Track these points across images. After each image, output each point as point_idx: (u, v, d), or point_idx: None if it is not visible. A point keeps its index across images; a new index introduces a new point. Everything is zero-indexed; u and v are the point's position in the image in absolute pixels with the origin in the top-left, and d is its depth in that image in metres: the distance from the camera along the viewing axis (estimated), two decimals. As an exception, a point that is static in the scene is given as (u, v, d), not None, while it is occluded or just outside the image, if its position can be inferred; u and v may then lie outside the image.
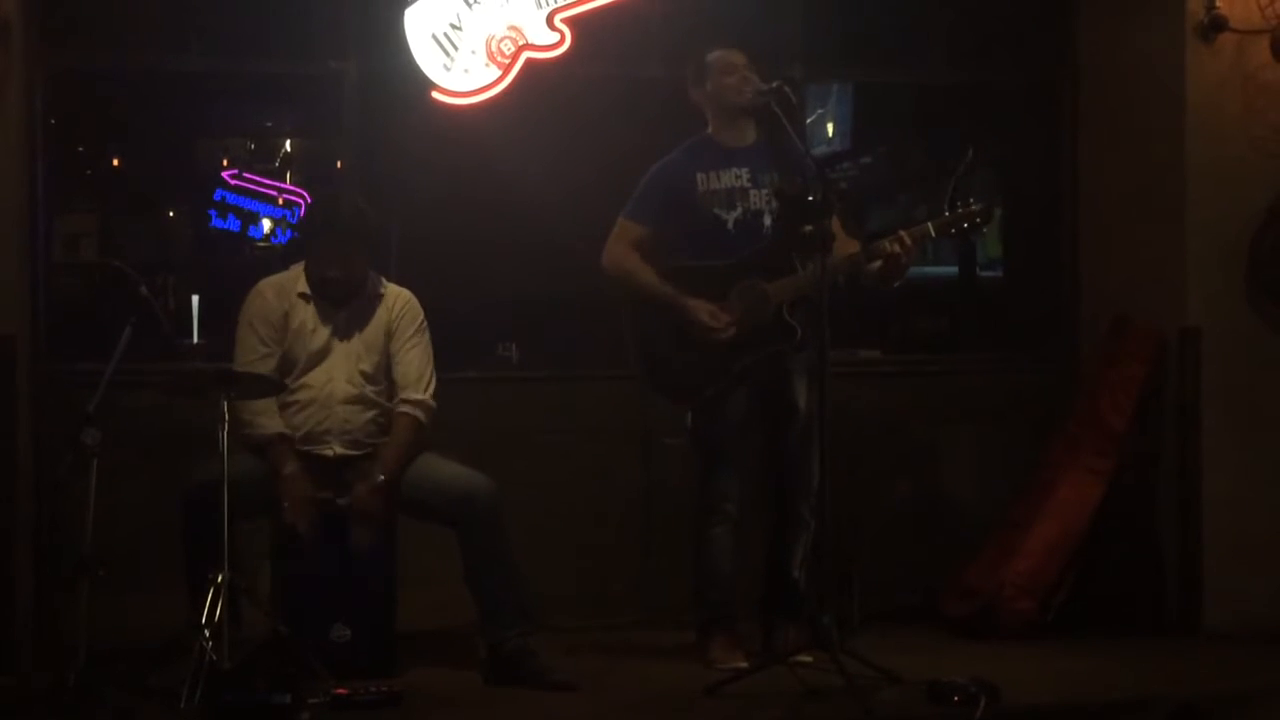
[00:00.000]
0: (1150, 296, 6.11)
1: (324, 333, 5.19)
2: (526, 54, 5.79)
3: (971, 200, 5.20)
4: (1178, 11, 5.89)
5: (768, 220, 5.30)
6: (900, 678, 4.89)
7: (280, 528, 4.99)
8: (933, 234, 5.22)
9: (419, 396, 5.16)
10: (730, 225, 5.30)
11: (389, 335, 5.23)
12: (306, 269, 5.24)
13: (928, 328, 6.99)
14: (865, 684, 4.76)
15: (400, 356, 5.21)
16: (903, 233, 5.16)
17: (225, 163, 6.87)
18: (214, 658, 4.48)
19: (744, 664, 5.13)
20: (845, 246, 5.16)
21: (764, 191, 5.31)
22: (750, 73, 5.30)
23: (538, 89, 5.86)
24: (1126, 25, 6.24)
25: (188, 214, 6.90)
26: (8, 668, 5.20)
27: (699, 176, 5.32)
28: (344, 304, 5.23)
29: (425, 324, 5.28)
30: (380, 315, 5.25)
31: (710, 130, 5.43)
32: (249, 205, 6.61)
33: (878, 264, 5.16)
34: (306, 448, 5.09)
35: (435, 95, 5.77)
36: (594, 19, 5.84)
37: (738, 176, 5.32)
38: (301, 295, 5.21)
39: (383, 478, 5.00)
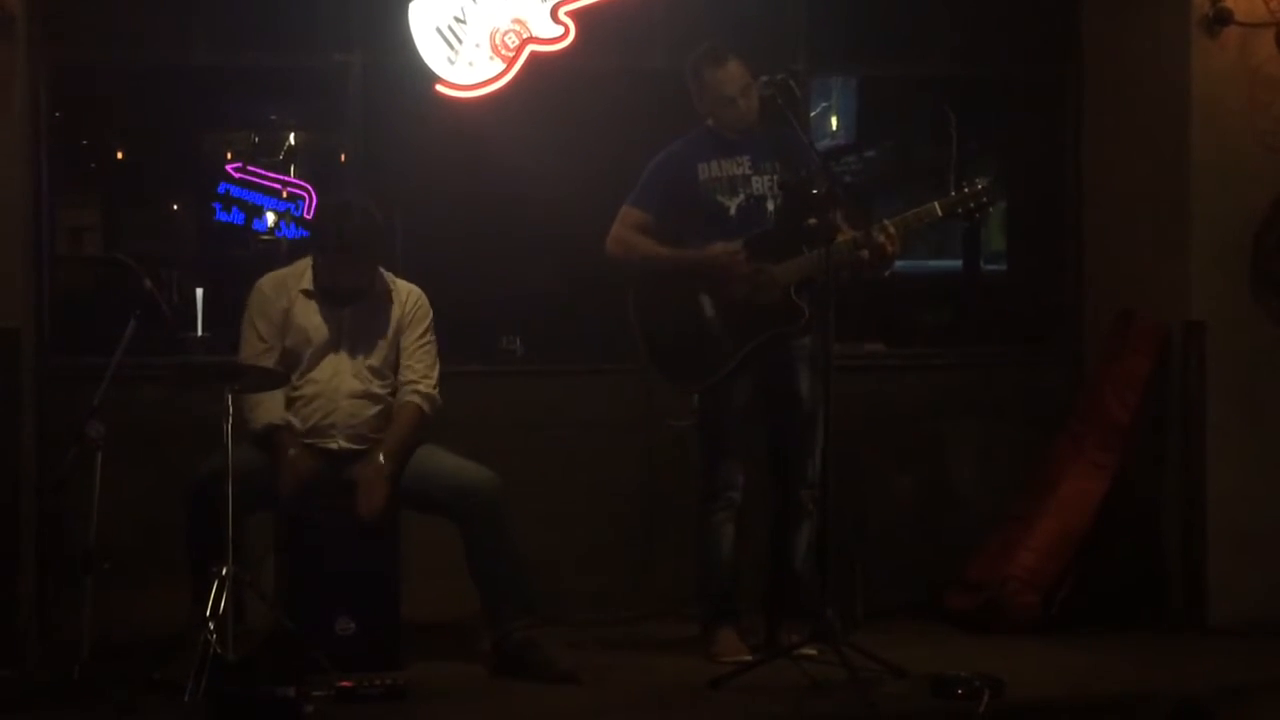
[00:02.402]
0: (1154, 290, 6.10)
1: (328, 328, 5.19)
2: (530, 47, 5.79)
3: (977, 180, 5.21)
4: (1182, 5, 5.88)
5: (770, 206, 5.32)
6: (904, 671, 4.90)
7: (284, 507, 4.98)
8: (939, 214, 5.21)
9: (426, 389, 5.17)
10: (733, 211, 5.31)
11: (398, 331, 5.23)
12: (315, 272, 5.22)
13: (932, 321, 6.99)
14: (869, 677, 4.77)
15: (408, 353, 5.22)
16: (886, 221, 5.16)
17: (229, 156, 6.85)
18: (218, 651, 4.48)
19: (748, 657, 5.14)
20: (846, 236, 5.17)
21: (766, 178, 5.32)
22: (749, 92, 5.28)
23: (542, 82, 5.86)
24: (1131, 19, 6.23)
25: (192, 207, 6.89)
26: (11, 661, 5.19)
27: (700, 165, 5.33)
28: (349, 301, 5.23)
29: (433, 322, 5.29)
30: (389, 311, 5.24)
31: (712, 122, 5.43)
32: (253, 198, 6.60)
33: (865, 253, 5.16)
34: (311, 441, 5.10)
35: (439, 88, 5.77)
36: (598, 12, 5.84)
37: (739, 164, 5.33)
38: (305, 292, 5.21)
39: (383, 458, 5.01)
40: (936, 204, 5.21)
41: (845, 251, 5.10)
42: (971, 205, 5.19)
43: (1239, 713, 4.92)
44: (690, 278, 5.26)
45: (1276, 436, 5.93)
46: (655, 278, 5.32)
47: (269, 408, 5.05)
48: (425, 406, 5.16)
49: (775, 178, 5.30)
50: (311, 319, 5.19)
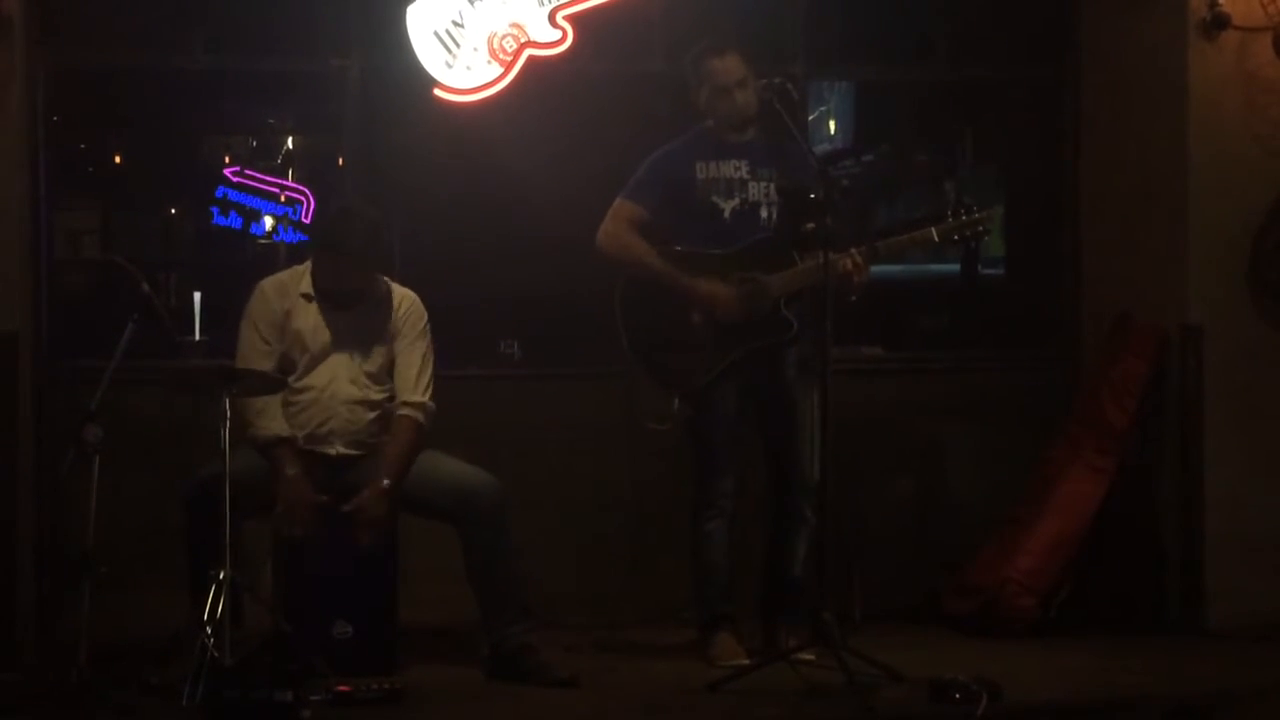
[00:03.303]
0: (1152, 294, 6.10)
1: (327, 333, 5.19)
2: (528, 51, 5.79)
3: (975, 207, 5.24)
4: (1180, 9, 5.89)
5: (764, 213, 5.32)
6: (902, 675, 4.89)
7: (277, 530, 4.99)
8: (935, 240, 5.27)
9: (418, 398, 5.16)
10: (727, 214, 5.31)
11: (393, 336, 5.23)
12: (314, 276, 5.22)
13: (930, 325, 6.98)
14: (867, 681, 4.77)
15: (401, 357, 5.21)
16: (854, 250, 5.16)
17: (227, 159, 6.84)
18: (216, 655, 4.47)
19: (746, 661, 5.14)
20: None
21: (762, 184, 5.32)
22: (745, 86, 5.29)
23: (540, 86, 5.86)
24: (1129, 22, 6.23)
25: (190, 211, 6.88)
26: (10, 665, 5.20)
27: (698, 164, 5.34)
28: (348, 304, 5.23)
29: (428, 326, 5.28)
30: (385, 315, 5.25)
31: (710, 124, 5.43)
32: (251, 202, 6.60)
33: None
34: (309, 447, 5.09)
35: (437, 92, 5.77)
36: (596, 16, 5.84)
37: (737, 167, 5.34)
38: (305, 296, 5.21)
39: (387, 482, 5.01)
40: (934, 230, 5.26)
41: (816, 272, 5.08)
42: (968, 233, 5.24)
43: (1237, 716, 4.92)
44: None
45: (1274, 439, 5.93)
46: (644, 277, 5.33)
47: (272, 415, 5.05)
48: (420, 417, 5.15)
49: (772, 185, 5.31)
50: (310, 322, 5.18)
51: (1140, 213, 6.19)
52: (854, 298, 5.21)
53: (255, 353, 5.13)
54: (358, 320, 5.22)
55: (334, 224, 5.30)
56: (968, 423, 6.43)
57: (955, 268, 7.41)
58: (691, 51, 5.44)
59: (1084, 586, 5.88)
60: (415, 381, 5.18)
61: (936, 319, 7.02)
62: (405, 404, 5.15)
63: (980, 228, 5.24)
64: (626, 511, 6.07)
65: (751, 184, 5.33)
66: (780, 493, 5.41)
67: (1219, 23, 5.82)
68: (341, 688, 4.67)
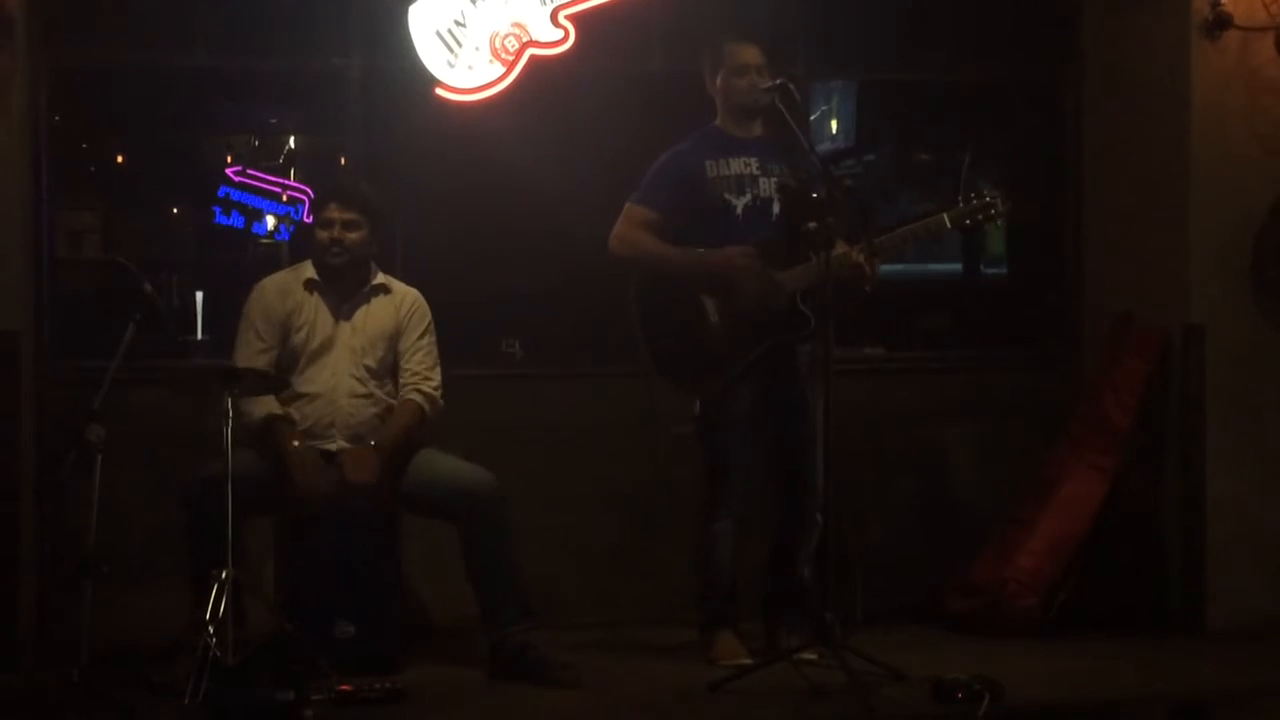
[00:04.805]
0: (1154, 294, 6.10)
1: (328, 325, 5.21)
2: (530, 50, 5.79)
3: (986, 191, 5.21)
4: (1182, 9, 5.89)
5: (776, 208, 5.31)
6: (904, 675, 4.90)
7: (295, 499, 4.97)
8: (948, 225, 5.23)
9: (429, 390, 5.19)
10: (739, 211, 5.30)
11: (397, 333, 5.25)
12: (313, 256, 5.25)
13: (931, 325, 6.98)
14: (869, 681, 4.78)
15: (409, 355, 5.24)
16: (875, 240, 5.15)
17: (229, 159, 6.84)
18: (217, 654, 4.48)
19: (747, 661, 5.14)
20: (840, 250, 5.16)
21: (773, 180, 5.31)
22: (761, 74, 5.30)
23: (541, 85, 5.86)
24: (1131, 22, 6.23)
25: (191, 211, 6.88)
26: (12, 665, 5.20)
27: (708, 163, 5.33)
28: (348, 295, 5.24)
29: (432, 324, 5.30)
30: (387, 312, 5.26)
31: (718, 121, 5.43)
32: (253, 202, 6.59)
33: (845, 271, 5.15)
34: (310, 443, 5.09)
35: (439, 92, 5.77)
36: (598, 15, 5.84)
37: (746, 164, 5.33)
38: (307, 285, 5.22)
39: (373, 443, 5.02)
40: (945, 215, 5.23)
41: (836, 265, 5.08)
42: (980, 217, 5.20)
43: (1238, 716, 4.93)
44: (698, 281, 5.23)
45: (1276, 439, 5.94)
46: (660, 280, 5.30)
47: (265, 400, 5.06)
48: (425, 406, 5.17)
49: (779, 180, 5.30)
50: (311, 316, 5.21)
51: (1142, 212, 6.19)
52: (868, 288, 5.20)
53: (252, 352, 5.14)
54: (356, 310, 5.24)
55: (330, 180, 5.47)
56: (969, 422, 6.43)
57: (957, 268, 7.42)
58: (711, 41, 5.43)
59: (1085, 586, 5.88)
60: (426, 375, 5.22)
61: (938, 319, 7.02)
62: (417, 390, 5.17)
63: (994, 210, 5.20)
64: (628, 511, 6.06)
65: (762, 180, 5.32)
66: (788, 493, 5.40)
67: (1221, 22, 5.82)
68: (343, 687, 4.68)
